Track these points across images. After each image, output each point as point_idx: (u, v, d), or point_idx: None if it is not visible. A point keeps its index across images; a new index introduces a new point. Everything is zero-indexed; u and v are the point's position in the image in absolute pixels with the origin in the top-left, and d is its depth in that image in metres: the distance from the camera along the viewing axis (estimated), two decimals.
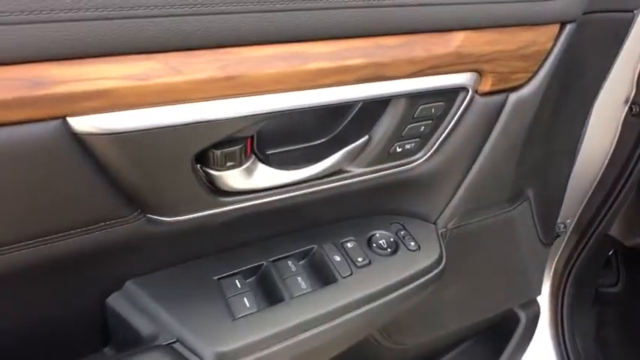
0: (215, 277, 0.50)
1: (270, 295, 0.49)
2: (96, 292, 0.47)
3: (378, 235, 0.56)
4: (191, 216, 0.43)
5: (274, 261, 0.52)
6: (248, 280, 0.51)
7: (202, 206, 0.43)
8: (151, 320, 0.46)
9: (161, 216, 0.43)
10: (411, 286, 0.53)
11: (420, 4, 0.40)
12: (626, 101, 0.82)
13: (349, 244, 0.54)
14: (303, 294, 0.49)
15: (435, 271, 0.55)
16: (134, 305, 0.47)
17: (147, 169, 0.38)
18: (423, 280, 0.54)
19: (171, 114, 0.36)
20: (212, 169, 0.42)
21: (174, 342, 0.45)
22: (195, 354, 0.44)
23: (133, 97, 0.34)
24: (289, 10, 0.36)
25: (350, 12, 0.38)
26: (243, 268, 0.51)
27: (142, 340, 0.45)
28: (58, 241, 0.38)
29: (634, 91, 0.80)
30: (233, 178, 0.43)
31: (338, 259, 0.52)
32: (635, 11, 0.61)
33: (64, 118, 0.33)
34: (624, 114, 0.83)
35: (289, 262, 0.52)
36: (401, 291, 0.53)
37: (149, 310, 0.46)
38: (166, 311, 0.46)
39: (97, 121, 0.34)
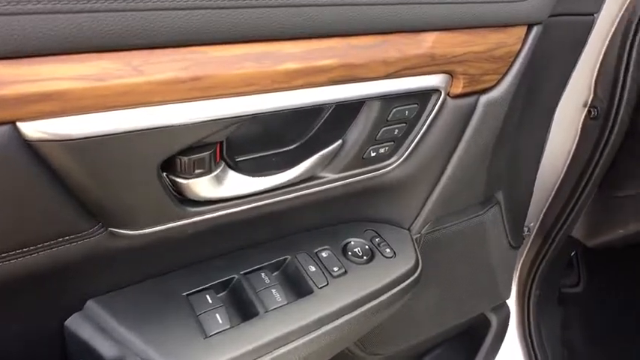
0: (184, 293, 0.47)
1: (244, 309, 0.47)
2: (54, 315, 0.43)
3: (352, 242, 0.54)
4: (157, 228, 0.40)
5: (246, 273, 0.49)
6: (219, 295, 0.48)
7: (169, 218, 0.41)
8: (115, 342, 0.43)
9: (124, 229, 0.39)
10: (389, 294, 0.52)
11: (391, 3, 0.40)
12: (585, 105, 0.84)
13: (324, 254, 0.52)
14: (279, 307, 0.47)
15: (412, 278, 0.54)
16: (96, 326, 0.43)
17: (107, 179, 0.35)
18: (400, 287, 0.53)
19: (132, 118, 0.33)
20: (179, 177, 0.39)
21: None
22: None
23: (90, 100, 0.31)
24: (259, 7, 0.34)
25: (321, 10, 0.37)
26: (214, 282, 0.48)
27: None
28: (11, 259, 0.35)
29: (592, 95, 0.82)
30: (202, 186, 0.40)
31: (313, 269, 0.50)
32: (595, 15, 0.62)
33: (13, 123, 0.29)
34: (583, 117, 0.86)
35: (262, 274, 0.49)
36: (379, 299, 0.51)
37: (112, 331, 0.43)
38: (131, 332, 0.43)
39: (50, 127, 0.31)
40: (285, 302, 0.47)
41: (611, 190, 0.88)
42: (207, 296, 0.47)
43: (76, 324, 0.44)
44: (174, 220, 0.41)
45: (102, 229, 0.38)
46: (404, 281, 0.53)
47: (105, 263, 0.42)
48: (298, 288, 0.49)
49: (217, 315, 0.45)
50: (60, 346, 0.45)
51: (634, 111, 0.80)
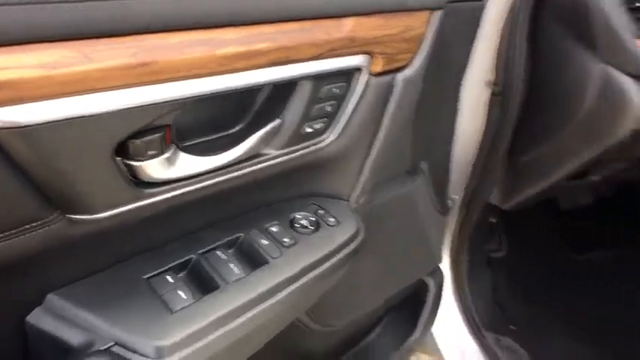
0: (144, 277, 0.49)
1: (205, 284, 0.50)
2: (13, 312, 0.44)
3: (299, 216, 0.59)
4: (115, 211, 0.43)
5: (203, 253, 0.52)
6: (179, 275, 0.50)
7: (125, 200, 0.43)
8: (81, 329, 0.44)
9: (83, 215, 0.41)
10: (337, 257, 0.57)
11: None
12: (488, 84, 0.94)
13: (274, 228, 0.56)
14: (238, 279, 0.50)
15: (356, 242, 0.60)
16: (59, 318, 0.44)
17: (63, 165, 0.37)
18: (346, 251, 0.58)
19: (84, 104, 0.35)
20: (133, 160, 0.41)
21: (112, 345, 0.43)
22: (137, 352, 0.43)
23: (44, 88, 0.33)
24: None
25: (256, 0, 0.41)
26: (173, 264, 0.50)
27: (75, 351, 0.43)
28: None
29: (494, 75, 0.93)
30: (155, 167, 0.43)
31: (266, 242, 0.54)
32: (483, 1, 0.72)
33: None
34: (488, 95, 0.96)
35: (218, 252, 0.52)
36: (328, 263, 0.56)
37: (78, 320, 0.44)
38: (97, 317, 0.44)
39: (4, 114, 0.32)
40: (244, 274, 0.51)
41: (518, 156, 0.99)
42: (168, 277, 0.49)
43: (37, 318, 0.44)
44: (130, 202, 0.43)
45: (60, 217, 0.40)
46: (348, 245, 0.59)
47: (64, 253, 0.43)
48: (254, 261, 0.53)
49: (180, 292, 0.48)
50: (20, 344, 0.45)
51: (525, 87, 0.90)
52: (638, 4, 0.79)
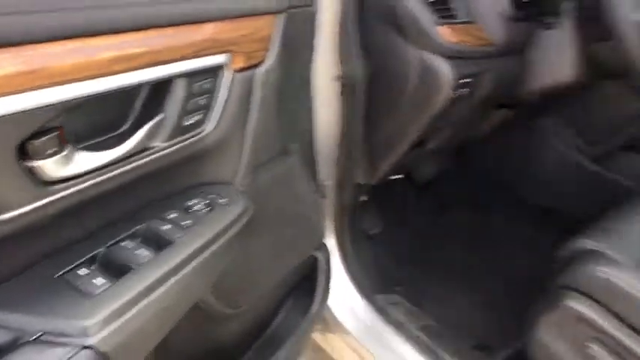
0: (57, 275, 0.52)
1: (118, 271, 0.54)
2: None
3: (193, 202, 0.66)
4: (20, 211, 0.46)
5: (110, 246, 0.57)
6: (92, 267, 0.54)
7: (30, 199, 0.47)
8: (6, 330, 0.46)
9: None
10: (233, 230, 0.65)
11: (176, 2, 0.54)
12: (336, 77, 1.10)
13: (172, 215, 0.63)
14: (149, 260, 0.56)
15: (246, 216, 0.69)
16: None
17: None
18: (239, 224, 0.67)
19: None
20: (33, 160, 0.46)
21: (41, 335, 0.46)
22: (66, 335, 0.47)
23: None
24: (77, 10, 0.45)
25: (128, 9, 0.49)
26: (82, 259, 0.54)
27: (2, 349, 0.45)
28: None
29: (340, 70, 1.08)
30: (53, 166, 0.48)
31: (168, 226, 0.60)
32: (312, 7, 0.86)
33: None
34: (338, 88, 1.12)
35: (124, 243, 0.57)
36: (226, 236, 0.64)
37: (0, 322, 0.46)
38: (20, 315, 0.47)
39: None
40: (153, 255, 0.56)
41: (370, 138, 1.17)
42: (80, 272, 0.53)
43: None
44: (34, 201, 0.47)
45: None
46: (241, 219, 0.67)
47: None
48: (159, 243, 0.59)
49: (95, 280, 0.52)
50: None
51: (366, 77, 1.07)
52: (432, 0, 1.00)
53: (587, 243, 1.03)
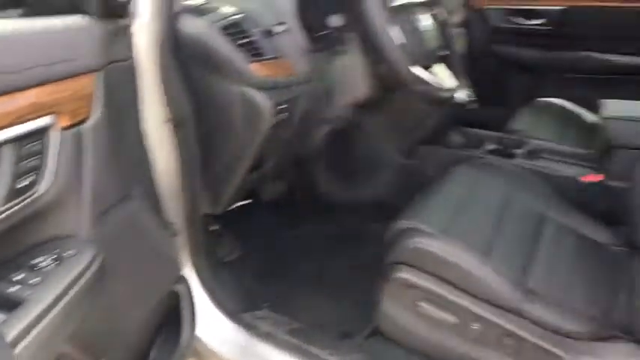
0: None
1: None
2: None
3: (39, 259, 0.67)
4: None
5: None
6: None
7: None
8: None
9: None
10: (85, 279, 0.68)
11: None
12: (167, 120, 1.16)
13: (20, 277, 0.64)
14: (1, 322, 0.57)
15: (97, 263, 0.72)
16: None
17: None
18: (91, 272, 0.70)
19: None
20: None
21: None
22: None
23: None
24: None
25: None
26: None
27: None
28: None
29: (168, 113, 1.14)
30: None
31: (17, 287, 0.62)
32: (129, 60, 0.92)
33: None
34: (169, 129, 1.18)
35: None
36: (78, 286, 0.67)
37: None
38: None
39: None
40: (5, 317, 0.57)
41: (208, 170, 1.25)
42: None
43: None
44: None
45: None
46: (92, 267, 0.70)
47: None
48: (10, 305, 0.60)
49: None
50: None
51: (195, 116, 1.15)
52: (242, 42, 1.14)
53: (404, 223, 1.25)
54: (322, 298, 1.61)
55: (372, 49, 1.25)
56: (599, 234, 1.38)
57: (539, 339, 1.04)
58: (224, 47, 1.07)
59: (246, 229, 1.77)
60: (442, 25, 1.50)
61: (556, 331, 1.05)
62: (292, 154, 1.48)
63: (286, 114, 1.20)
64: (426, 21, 1.39)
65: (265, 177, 1.46)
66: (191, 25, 1.06)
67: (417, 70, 1.26)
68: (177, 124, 1.15)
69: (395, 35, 1.22)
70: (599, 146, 1.70)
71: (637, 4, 2.26)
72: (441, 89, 1.35)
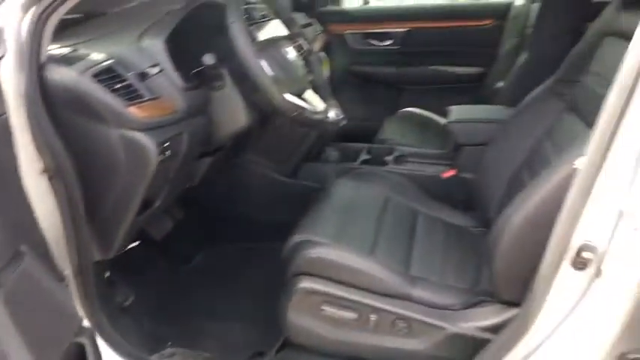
0: None
1: None
2: None
3: None
4: None
5: None
6: None
7: None
8: None
9: None
10: None
11: None
12: (42, 171, 1.11)
13: None
14: None
15: None
16: None
17: None
18: None
19: None
20: None
21: None
22: None
23: None
24: None
25: None
26: None
27: None
28: None
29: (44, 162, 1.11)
30: None
31: None
32: (2, 116, 0.91)
33: None
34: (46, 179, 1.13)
35: None
36: None
37: None
38: None
39: None
40: None
41: (94, 216, 1.23)
42: None
43: None
44: None
45: None
46: None
47: None
48: None
49: None
50: None
51: (72, 163, 1.13)
52: (117, 87, 1.16)
53: (297, 237, 1.36)
54: (228, 323, 1.65)
55: (246, 82, 1.35)
56: (461, 219, 1.62)
57: (425, 316, 1.21)
58: (99, 93, 1.09)
59: (139, 271, 1.74)
60: (306, 54, 1.66)
61: (437, 307, 1.22)
62: (179, 189, 1.51)
63: (169, 152, 1.24)
64: (291, 52, 1.52)
65: (154, 216, 1.47)
66: (61, 74, 1.06)
67: (290, 98, 1.39)
68: (54, 174, 1.12)
69: (265, 67, 1.33)
70: (450, 146, 1.98)
71: (468, 23, 2.68)
72: (313, 112, 1.50)
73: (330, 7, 2.89)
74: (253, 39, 1.41)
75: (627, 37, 1.02)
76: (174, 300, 1.72)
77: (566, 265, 0.88)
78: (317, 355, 1.36)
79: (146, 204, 1.31)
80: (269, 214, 1.95)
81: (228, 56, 1.32)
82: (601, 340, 0.87)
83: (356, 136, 2.27)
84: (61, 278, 1.07)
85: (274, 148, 1.93)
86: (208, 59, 1.30)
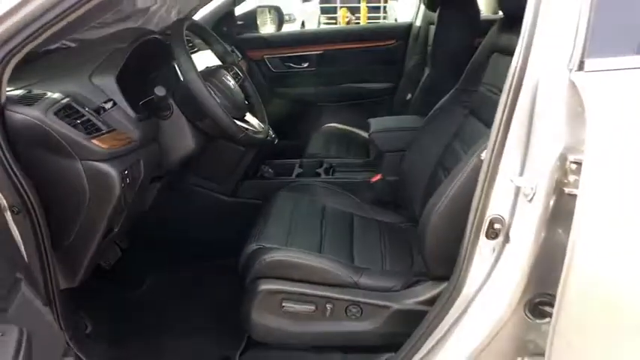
0: None
1: None
2: None
3: None
4: None
5: None
6: None
7: None
8: None
9: None
10: (23, 348, 0.75)
11: None
12: (5, 208, 1.15)
13: None
14: None
15: (25, 334, 0.78)
16: None
17: None
18: (25, 340, 0.77)
19: None
20: None
21: None
22: None
23: None
24: None
25: None
26: None
27: None
28: None
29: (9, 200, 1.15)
30: None
31: None
32: None
33: None
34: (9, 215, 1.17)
35: None
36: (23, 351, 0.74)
37: None
38: None
39: None
40: None
41: (61, 246, 1.29)
42: None
43: None
44: None
45: None
46: (23, 337, 0.77)
47: None
48: None
49: None
50: None
51: (35, 198, 1.18)
52: (78, 122, 1.24)
53: (251, 247, 1.50)
54: (189, 337, 1.73)
55: (193, 110, 1.48)
56: (391, 217, 1.85)
57: (372, 299, 1.40)
58: (63, 129, 1.16)
59: (93, 300, 1.76)
60: (242, 81, 1.82)
61: (382, 290, 1.42)
62: (134, 215, 1.59)
63: (129, 179, 1.33)
64: (230, 79, 1.68)
65: (107, 243, 1.53)
66: (24, 114, 1.13)
67: (236, 121, 1.54)
68: (17, 210, 1.17)
69: (212, 95, 1.48)
70: (374, 154, 2.23)
71: (375, 43, 2.98)
72: (255, 133, 1.65)
73: (248, 34, 3.06)
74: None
75: (508, 52, 1.30)
76: (132, 322, 1.77)
77: (482, 237, 1.11)
78: (280, 350, 1.50)
79: (107, 231, 1.38)
80: (215, 233, 2.05)
81: (177, 89, 1.44)
82: (512, 291, 1.10)
83: (286, 153, 2.45)
84: (45, 302, 1.12)
85: (215, 170, 2.05)
86: (159, 91, 1.42)
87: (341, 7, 11.37)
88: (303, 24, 9.09)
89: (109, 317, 1.74)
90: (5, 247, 0.97)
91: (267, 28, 3.30)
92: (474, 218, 1.10)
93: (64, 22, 1.08)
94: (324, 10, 11.68)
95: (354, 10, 10.84)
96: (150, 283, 1.98)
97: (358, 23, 10.35)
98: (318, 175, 2.21)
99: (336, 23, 11.48)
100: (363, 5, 10.76)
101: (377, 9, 12.04)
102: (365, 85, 3.01)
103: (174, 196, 1.98)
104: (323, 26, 11.10)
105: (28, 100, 1.18)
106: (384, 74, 2.97)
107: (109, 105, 1.33)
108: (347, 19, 10.48)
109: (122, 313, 1.80)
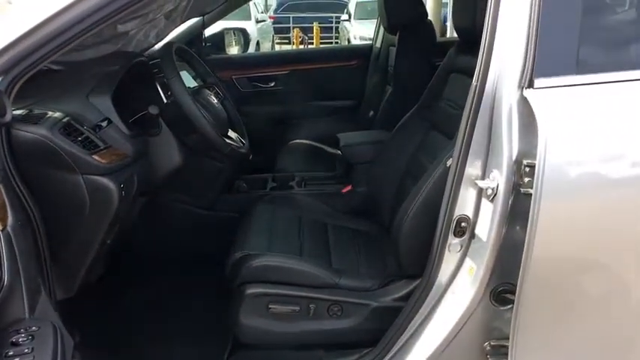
0: None
1: None
2: None
3: (16, 338, 0.79)
4: None
5: None
6: None
7: None
8: None
9: None
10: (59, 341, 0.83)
11: None
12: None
13: (10, 352, 0.76)
14: None
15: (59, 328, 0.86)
16: None
17: None
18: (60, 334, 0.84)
19: None
20: None
21: None
22: None
23: None
24: None
25: None
26: None
27: None
28: None
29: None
30: None
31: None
32: None
33: None
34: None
35: None
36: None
37: None
38: None
39: None
40: None
41: (59, 258, 1.35)
42: None
43: None
44: None
45: None
46: (58, 332, 0.85)
47: None
48: None
49: None
50: None
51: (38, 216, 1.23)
52: (79, 139, 1.31)
53: (236, 255, 1.60)
54: (174, 345, 1.78)
55: (182, 127, 1.58)
56: (363, 225, 1.99)
57: (352, 298, 1.53)
58: (67, 145, 1.24)
59: (80, 312, 1.79)
60: (222, 99, 1.94)
61: (360, 290, 1.55)
62: (125, 228, 1.66)
63: (124, 192, 1.41)
64: (213, 98, 1.79)
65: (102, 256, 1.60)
66: (32, 132, 1.20)
67: (222, 136, 1.66)
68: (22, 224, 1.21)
69: (201, 112, 1.59)
70: (343, 166, 2.38)
71: (338, 63, 3.16)
72: (239, 147, 1.76)
73: (216, 55, 3.17)
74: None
75: (465, 72, 1.49)
76: (118, 334, 1.81)
77: (451, 235, 1.27)
78: (266, 350, 1.60)
79: (101, 243, 1.45)
80: (194, 246, 2.13)
81: (168, 107, 1.54)
82: (479, 282, 1.27)
83: (257, 169, 2.56)
84: (55, 308, 1.18)
85: (193, 185, 2.13)
86: (153, 110, 1.51)
87: (294, 27, 11.66)
88: (258, 44, 9.28)
89: (96, 329, 1.77)
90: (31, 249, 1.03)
91: (233, 49, 3.42)
92: (444, 219, 1.26)
93: (70, 47, 1.17)
94: (277, 30, 11.94)
95: (307, 30, 11.13)
96: (131, 296, 2.02)
97: (312, 43, 10.63)
98: (292, 188, 2.34)
99: (289, 43, 11.74)
100: (315, 26, 11.08)
101: (329, 29, 12.44)
102: (329, 103, 3.17)
103: (155, 211, 2.04)
104: (277, 47, 11.35)
105: (32, 119, 1.25)
106: (347, 92, 3.15)
107: (105, 123, 1.41)
108: (300, 39, 10.75)
109: (106, 325, 1.84)
